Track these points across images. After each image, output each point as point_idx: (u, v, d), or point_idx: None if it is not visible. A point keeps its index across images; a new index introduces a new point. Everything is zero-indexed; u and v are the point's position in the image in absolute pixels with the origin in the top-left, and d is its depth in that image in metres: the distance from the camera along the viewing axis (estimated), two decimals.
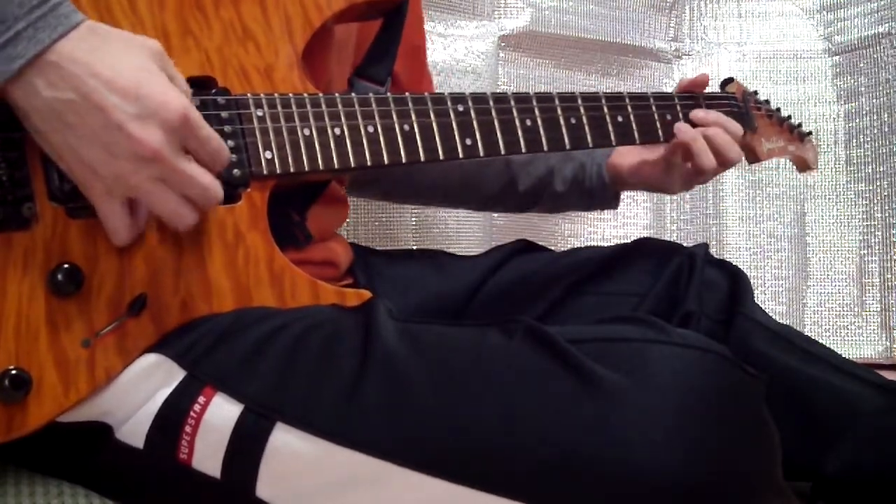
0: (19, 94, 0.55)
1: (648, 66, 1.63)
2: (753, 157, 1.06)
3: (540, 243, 1.03)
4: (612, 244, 0.98)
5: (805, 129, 1.12)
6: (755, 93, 1.08)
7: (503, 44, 1.48)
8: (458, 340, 0.59)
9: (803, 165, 1.14)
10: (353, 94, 0.74)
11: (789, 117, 1.11)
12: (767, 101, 1.09)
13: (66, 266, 0.59)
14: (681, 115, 0.94)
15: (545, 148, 0.84)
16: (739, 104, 1.02)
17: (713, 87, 1.01)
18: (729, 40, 1.66)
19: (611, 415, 0.50)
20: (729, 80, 1.06)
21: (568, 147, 0.87)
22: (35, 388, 0.58)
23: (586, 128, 0.87)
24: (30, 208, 0.59)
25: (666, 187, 0.98)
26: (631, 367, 0.52)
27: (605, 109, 0.88)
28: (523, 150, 0.83)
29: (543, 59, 1.53)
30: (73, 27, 0.56)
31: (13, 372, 0.57)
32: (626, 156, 1.00)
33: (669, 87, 1.64)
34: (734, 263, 0.94)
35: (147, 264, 0.63)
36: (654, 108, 0.92)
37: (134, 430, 0.61)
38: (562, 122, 0.85)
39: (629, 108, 0.89)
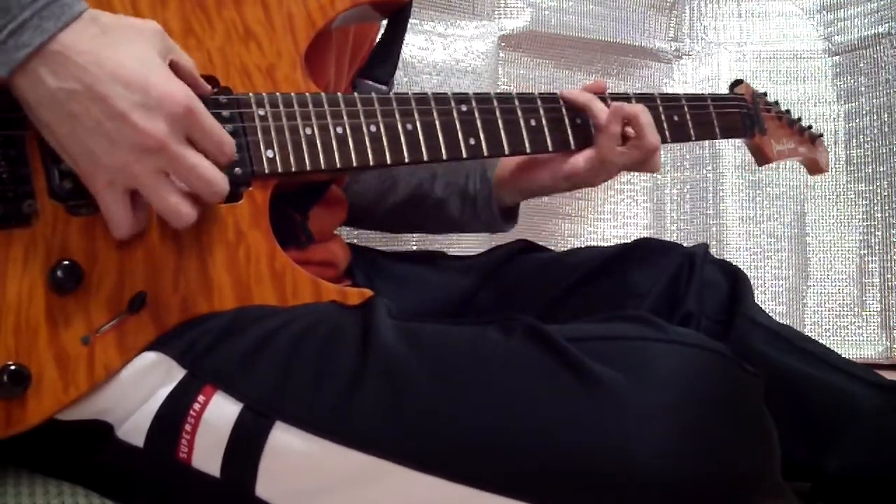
0: (25, 84, 0.56)
1: (648, 66, 1.63)
2: (763, 158, 1.04)
3: (540, 243, 1.03)
4: (612, 244, 0.98)
5: (816, 131, 1.12)
6: (764, 94, 1.06)
7: (503, 44, 1.48)
8: (457, 339, 0.59)
9: (815, 167, 1.13)
10: (355, 94, 0.73)
11: (800, 119, 1.10)
12: (777, 103, 1.08)
13: (65, 262, 0.59)
14: (688, 115, 0.93)
15: (550, 148, 0.84)
16: (749, 106, 1.01)
17: (722, 88, 1.00)
18: (729, 40, 1.66)
19: (609, 412, 0.50)
20: (738, 82, 1.04)
21: (573, 146, 0.86)
22: (34, 383, 0.58)
23: (591, 128, 0.87)
24: (30, 205, 0.59)
25: (587, 180, 0.89)
26: (629, 364, 0.52)
27: None
28: (528, 150, 0.83)
29: (543, 59, 1.53)
30: (77, 16, 0.56)
31: (12, 367, 0.57)
32: (513, 160, 0.94)
33: (669, 88, 1.65)
34: (734, 263, 0.94)
35: (147, 262, 0.63)
36: (660, 108, 0.91)
37: (134, 429, 0.61)
38: (567, 122, 0.85)
39: None
